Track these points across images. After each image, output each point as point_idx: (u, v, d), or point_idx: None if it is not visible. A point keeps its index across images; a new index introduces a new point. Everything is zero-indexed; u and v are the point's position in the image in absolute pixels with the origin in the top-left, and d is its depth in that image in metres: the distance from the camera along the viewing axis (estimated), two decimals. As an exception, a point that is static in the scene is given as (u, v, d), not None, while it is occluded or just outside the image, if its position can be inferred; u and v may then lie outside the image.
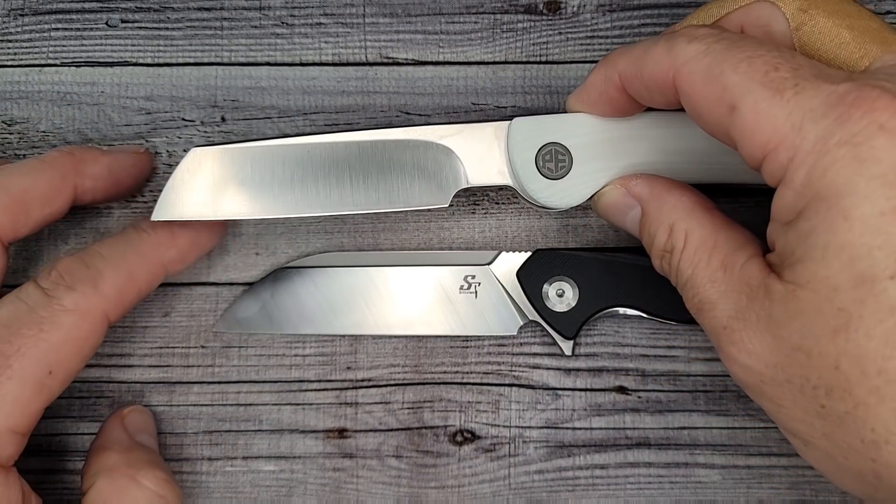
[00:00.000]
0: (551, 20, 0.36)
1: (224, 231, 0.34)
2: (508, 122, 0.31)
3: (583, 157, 0.31)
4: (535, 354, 0.34)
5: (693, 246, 0.27)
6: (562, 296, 0.33)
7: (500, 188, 0.34)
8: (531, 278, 0.33)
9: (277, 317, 0.34)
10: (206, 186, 0.30)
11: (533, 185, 0.31)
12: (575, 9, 0.36)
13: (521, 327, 0.33)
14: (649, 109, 0.30)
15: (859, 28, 0.26)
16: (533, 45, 0.36)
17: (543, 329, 0.33)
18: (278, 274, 0.34)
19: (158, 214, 0.30)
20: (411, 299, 0.33)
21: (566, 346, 0.33)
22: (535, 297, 0.33)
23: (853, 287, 0.22)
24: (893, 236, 0.22)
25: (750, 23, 0.28)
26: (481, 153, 0.31)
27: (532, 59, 0.36)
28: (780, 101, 0.23)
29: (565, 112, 0.31)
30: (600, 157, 0.31)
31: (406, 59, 0.36)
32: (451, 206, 0.35)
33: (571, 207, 0.31)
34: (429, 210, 0.35)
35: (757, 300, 0.24)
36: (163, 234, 0.31)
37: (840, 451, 0.23)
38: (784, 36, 0.27)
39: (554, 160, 0.31)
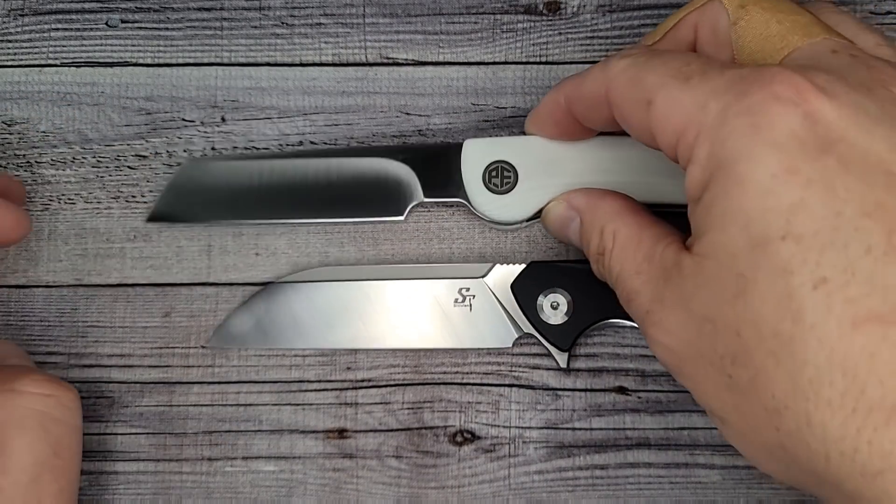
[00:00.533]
0: (551, 20, 0.36)
1: (24, 232, 0.31)
2: (462, 142, 0.33)
3: (527, 174, 0.33)
4: (535, 355, 0.34)
5: (620, 244, 0.28)
6: (556, 308, 0.33)
7: (454, 204, 0.35)
8: (525, 291, 0.33)
9: (272, 332, 0.34)
10: (192, 194, 0.34)
11: (479, 199, 0.33)
12: (575, 9, 0.36)
13: (515, 339, 0.33)
14: (600, 135, 0.32)
15: (788, 21, 0.27)
16: (533, 45, 0.36)
17: (538, 341, 0.33)
18: (272, 289, 0.34)
19: (155, 216, 0.34)
20: (406, 313, 0.34)
21: (561, 359, 0.33)
22: (530, 310, 0.33)
23: (749, 251, 0.22)
24: (784, 196, 0.22)
25: (703, 23, 0.29)
26: (436, 172, 0.34)
27: (532, 60, 0.36)
28: (688, 86, 0.24)
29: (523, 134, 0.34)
30: (544, 175, 0.33)
31: (406, 60, 0.36)
32: (451, 208, 0.35)
33: (518, 222, 0.33)
34: (428, 211, 0.35)
35: (672, 280, 0.25)
36: None
37: (749, 426, 0.23)
38: (725, 31, 0.28)
39: (500, 176, 0.33)
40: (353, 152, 0.34)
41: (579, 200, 0.31)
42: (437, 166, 0.34)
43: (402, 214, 0.34)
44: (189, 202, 0.34)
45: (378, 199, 0.34)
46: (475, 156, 0.33)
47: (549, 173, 0.33)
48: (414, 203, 0.34)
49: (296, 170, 0.34)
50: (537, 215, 0.33)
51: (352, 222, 0.34)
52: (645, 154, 0.31)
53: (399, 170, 0.34)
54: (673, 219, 0.29)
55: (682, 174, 0.25)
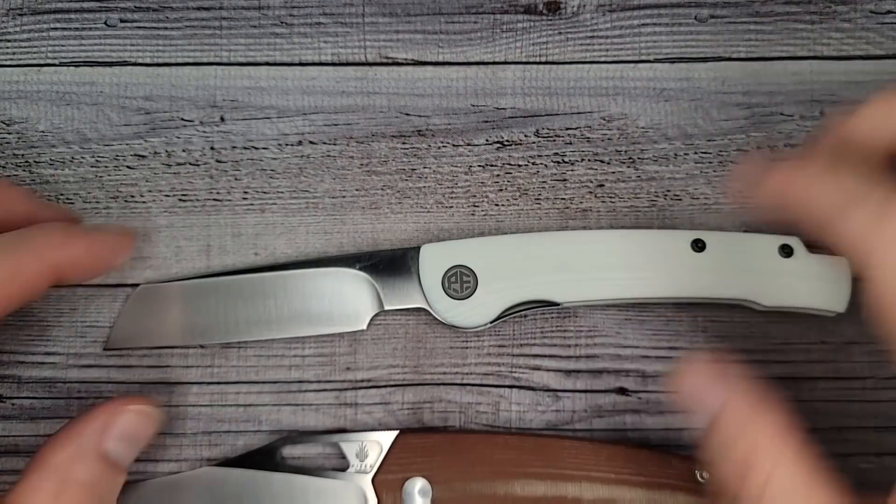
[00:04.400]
0: (551, 20, 0.36)
1: (130, 249, 0.33)
2: (419, 247, 0.33)
3: (487, 278, 0.33)
4: (535, 356, 0.34)
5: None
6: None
7: (416, 310, 0.34)
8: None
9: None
10: (148, 319, 0.34)
11: (439, 306, 0.33)
12: (575, 9, 0.36)
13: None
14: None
15: None
16: (533, 45, 0.36)
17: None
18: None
19: (111, 344, 0.34)
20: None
21: None
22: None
23: None
24: None
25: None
26: (395, 279, 0.33)
27: (532, 60, 0.36)
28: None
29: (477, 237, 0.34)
30: (504, 277, 0.33)
31: (406, 60, 0.36)
32: (450, 206, 0.35)
33: (481, 326, 0.33)
34: (427, 212, 0.35)
35: None
36: (56, 236, 0.30)
37: None
38: None
39: (459, 281, 0.33)
40: (308, 264, 0.34)
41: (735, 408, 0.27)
42: (396, 273, 0.33)
43: (363, 325, 0.33)
44: (145, 328, 0.34)
45: (338, 312, 0.33)
46: (433, 261, 0.33)
47: (508, 275, 0.33)
48: (375, 313, 0.33)
49: (253, 287, 0.33)
50: (500, 318, 0.33)
51: (313, 336, 0.34)
52: (611, 248, 0.32)
53: (358, 280, 0.33)
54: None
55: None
